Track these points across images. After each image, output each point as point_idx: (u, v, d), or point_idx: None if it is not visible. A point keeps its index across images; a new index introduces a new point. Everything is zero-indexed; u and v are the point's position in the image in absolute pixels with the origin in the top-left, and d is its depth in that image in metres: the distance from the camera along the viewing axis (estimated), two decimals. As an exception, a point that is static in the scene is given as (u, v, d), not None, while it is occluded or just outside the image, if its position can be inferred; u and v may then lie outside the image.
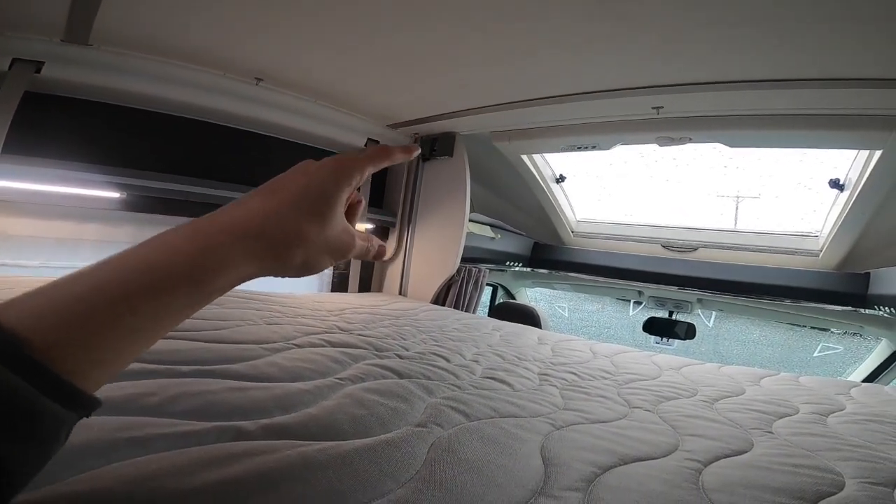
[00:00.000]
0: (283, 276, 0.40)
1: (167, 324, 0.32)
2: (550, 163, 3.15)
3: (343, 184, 0.41)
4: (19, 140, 1.66)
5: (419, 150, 0.54)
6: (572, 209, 3.53)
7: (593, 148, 2.59)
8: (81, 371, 0.27)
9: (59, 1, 1.48)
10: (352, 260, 3.00)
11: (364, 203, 0.52)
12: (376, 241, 0.50)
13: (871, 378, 2.80)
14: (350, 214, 0.48)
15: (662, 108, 2.04)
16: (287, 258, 0.38)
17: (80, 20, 1.58)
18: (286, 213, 0.37)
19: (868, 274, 2.55)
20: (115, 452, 0.53)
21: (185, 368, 0.81)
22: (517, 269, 3.83)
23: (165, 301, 0.31)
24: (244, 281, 0.37)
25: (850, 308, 2.62)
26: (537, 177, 3.10)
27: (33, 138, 1.75)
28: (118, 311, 0.28)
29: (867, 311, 2.55)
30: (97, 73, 1.83)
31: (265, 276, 0.38)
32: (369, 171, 0.45)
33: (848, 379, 2.67)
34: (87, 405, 0.28)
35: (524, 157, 2.95)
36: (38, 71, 1.71)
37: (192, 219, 0.35)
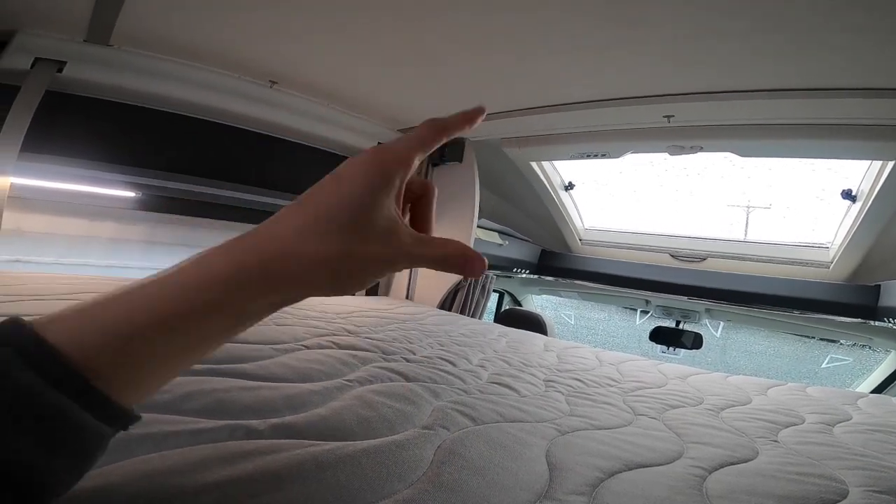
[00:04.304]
0: (321, 296, 0.35)
1: (208, 345, 0.32)
2: (560, 170, 3.15)
3: (381, 190, 0.34)
4: (38, 138, 1.70)
5: (484, 112, 0.41)
6: (580, 217, 3.53)
7: (603, 156, 2.59)
8: (122, 390, 0.28)
9: (83, 1, 1.51)
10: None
11: (433, 190, 0.42)
12: (458, 252, 0.37)
13: (879, 390, 2.78)
14: (419, 210, 0.41)
15: (674, 116, 2.05)
16: (315, 284, 0.33)
17: (102, 20, 1.62)
18: (310, 235, 0.32)
19: (878, 286, 2.53)
20: (128, 449, 0.54)
21: (196, 366, 0.82)
22: (524, 275, 3.83)
23: (202, 325, 0.30)
24: (285, 305, 0.34)
25: (859, 320, 2.60)
26: (546, 184, 3.11)
27: (51, 137, 1.78)
28: (156, 335, 0.28)
29: (877, 323, 2.53)
30: (116, 73, 1.87)
31: (303, 299, 0.35)
32: (418, 159, 0.37)
33: (856, 390, 2.65)
34: (129, 420, 0.29)
35: (533, 164, 2.95)
36: (60, 70, 1.75)
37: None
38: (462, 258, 0.36)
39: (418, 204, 0.42)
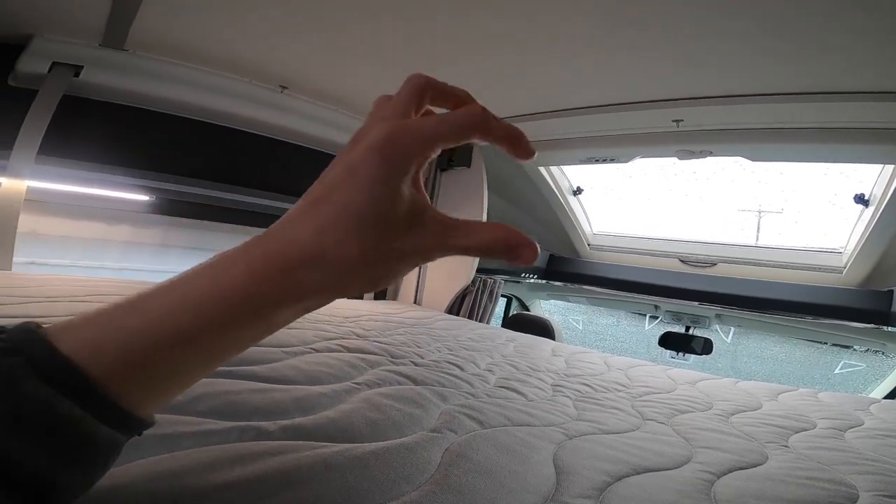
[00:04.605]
0: (349, 297, 0.33)
1: (229, 354, 0.30)
2: (568, 175, 3.15)
3: (399, 177, 0.30)
4: (54, 142, 1.72)
5: (531, 157, 0.35)
6: (589, 222, 3.52)
7: (612, 161, 2.59)
8: (138, 400, 0.27)
9: (99, 7, 1.54)
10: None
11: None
12: (503, 238, 0.31)
13: (892, 395, 2.75)
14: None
15: (682, 120, 2.04)
16: (343, 287, 0.31)
17: (118, 26, 1.65)
18: (330, 236, 0.29)
19: (892, 291, 2.50)
20: (139, 450, 0.54)
21: (207, 369, 0.83)
22: (532, 280, 3.82)
23: (221, 337, 0.29)
24: (309, 310, 0.32)
25: (872, 325, 2.57)
26: (554, 189, 3.11)
27: (68, 140, 1.81)
28: (173, 346, 0.27)
29: (890, 328, 2.50)
30: (132, 77, 1.90)
31: (330, 301, 0.32)
32: (441, 146, 0.32)
33: (869, 396, 2.62)
34: (144, 428, 0.29)
35: (542, 169, 2.95)
36: (77, 75, 1.78)
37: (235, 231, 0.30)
38: (507, 245, 0.31)
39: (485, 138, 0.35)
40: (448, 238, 0.32)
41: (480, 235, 0.32)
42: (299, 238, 0.29)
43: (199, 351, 0.28)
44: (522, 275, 3.67)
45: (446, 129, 0.32)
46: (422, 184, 0.34)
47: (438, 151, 0.32)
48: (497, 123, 0.33)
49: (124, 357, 0.26)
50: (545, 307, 4.43)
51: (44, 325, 0.26)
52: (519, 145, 0.34)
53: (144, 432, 0.30)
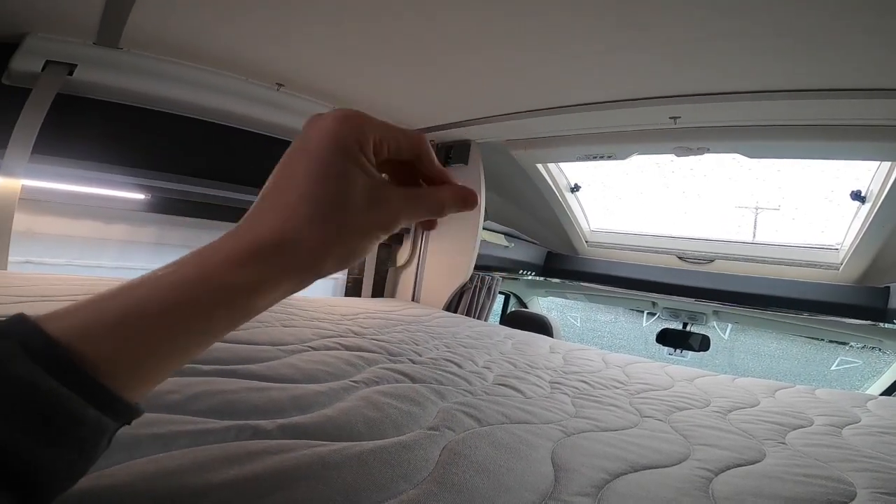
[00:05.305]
0: (324, 277, 0.35)
1: (210, 338, 0.32)
2: (565, 172, 3.15)
3: (353, 158, 0.33)
4: (49, 140, 1.72)
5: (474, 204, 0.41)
6: (587, 219, 3.53)
7: (609, 157, 2.59)
8: (124, 383, 0.28)
9: (93, 5, 1.53)
10: (366, 261, 3.01)
11: (424, 143, 0.39)
12: (454, 196, 0.39)
13: (889, 392, 2.76)
14: (424, 170, 0.40)
15: (680, 117, 2.04)
16: (318, 267, 0.33)
17: (112, 23, 1.64)
18: (299, 221, 0.32)
19: (888, 288, 2.51)
20: (139, 448, 0.54)
21: (205, 367, 0.83)
22: (530, 277, 3.83)
23: (205, 319, 0.30)
24: (288, 295, 0.34)
25: (869, 322, 2.58)
26: (552, 186, 3.11)
27: (63, 139, 1.80)
28: (159, 329, 0.29)
29: (886, 325, 2.51)
30: (126, 76, 1.90)
31: (306, 286, 0.34)
32: (385, 136, 0.36)
33: (866, 392, 2.63)
34: (131, 414, 0.29)
35: (539, 166, 2.95)
36: (71, 73, 1.77)
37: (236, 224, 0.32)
38: (461, 201, 0.39)
39: (420, 165, 0.40)
40: (409, 206, 0.36)
41: (439, 198, 0.38)
42: (265, 229, 0.32)
43: (183, 333, 0.30)
44: (520, 271, 3.67)
45: (396, 132, 0.36)
46: (375, 169, 0.36)
47: (385, 152, 0.36)
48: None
49: (111, 337, 0.27)
50: (543, 304, 4.43)
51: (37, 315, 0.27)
52: (462, 201, 0.40)
53: (141, 430, 0.30)
